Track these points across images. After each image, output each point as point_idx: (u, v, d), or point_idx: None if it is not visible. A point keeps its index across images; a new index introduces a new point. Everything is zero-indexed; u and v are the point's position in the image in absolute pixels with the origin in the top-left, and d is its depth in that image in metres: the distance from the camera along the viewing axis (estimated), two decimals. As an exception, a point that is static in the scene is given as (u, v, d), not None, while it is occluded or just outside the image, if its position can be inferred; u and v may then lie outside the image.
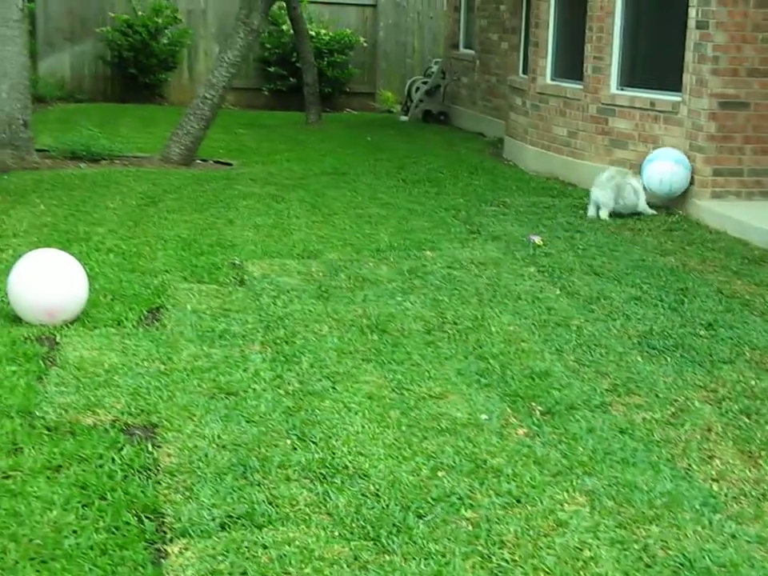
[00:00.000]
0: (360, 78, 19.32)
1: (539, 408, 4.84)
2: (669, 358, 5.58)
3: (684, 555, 3.56)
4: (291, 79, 18.10)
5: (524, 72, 12.97)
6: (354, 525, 3.71)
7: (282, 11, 17.34)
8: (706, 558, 3.54)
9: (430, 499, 3.90)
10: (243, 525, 3.67)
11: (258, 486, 3.96)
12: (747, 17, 9.23)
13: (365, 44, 19.13)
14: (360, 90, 19.42)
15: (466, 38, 17.04)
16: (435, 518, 3.77)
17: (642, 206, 9.41)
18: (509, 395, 4.99)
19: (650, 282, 7.05)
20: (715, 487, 4.10)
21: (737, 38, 9.24)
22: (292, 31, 16.54)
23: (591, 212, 9.38)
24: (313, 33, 17.70)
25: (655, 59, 10.45)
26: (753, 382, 5.24)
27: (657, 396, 5.04)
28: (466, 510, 3.84)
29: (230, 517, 3.71)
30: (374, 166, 11.89)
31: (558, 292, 6.81)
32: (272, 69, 18.37)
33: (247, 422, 4.54)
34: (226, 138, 13.84)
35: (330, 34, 18.51)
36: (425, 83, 17.38)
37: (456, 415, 4.70)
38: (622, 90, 10.62)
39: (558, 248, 8.01)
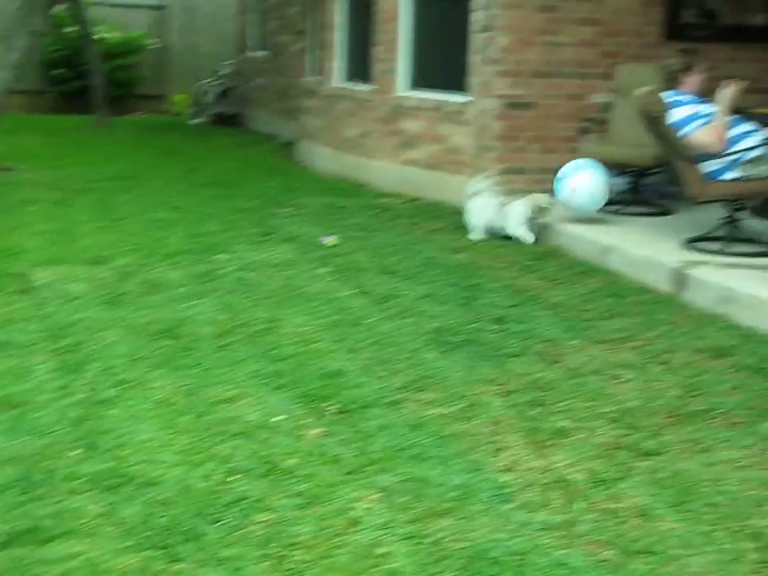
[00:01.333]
0: (150, 81, 19.06)
1: (333, 407, 4.83)
2: (460, 354, 5.66)
3: (475, 546, 3.59)
4: (78, 82, 17.67)
5: (315, 74, 12.99)
6: (143, 535, 3.61)
7: (67, 12, 16.90)
8: (497, 547, 3.58)
9: (222, 505, 3.84)
10: (26, 541, 3.52)
11: (42, 500, 3.82)
12: (529, 20, 9.47)
13: (154, 46, 18.86)
14: (151, 93, 19.15)
15: (258, 40, 16.98)
16: (228, 524, 3.71)
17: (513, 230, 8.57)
18: (302, 396, 4.96)
19: (442, 280, 7.15)
20: (505, 478, 4.17)
21: (520, 40, 9.48)
22: (79, 33, 16.14)
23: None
24: (101, 35, 17.33)
25: (443, 61, 10.62)
26: (540, 374, 5.36)
27: (448, 391, 5.10)
28: (259, 514, 3.79)
29: (11, 534, 3.56)
30: (164, 170, 11.72)
31: (351, 292, 6.83)
32: (58, 71, 17.90)
33: (31, 434, 4.38)
34: (10, 142, 13.39)
35: (119, 36, 18.17)
36: (217, 86, 17.24)
37: (249, 418, 4.65)
38: (411, 91, 10.76)
39: (351, 248, 8.04)
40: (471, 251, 8.09)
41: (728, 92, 7.50)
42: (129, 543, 3.56)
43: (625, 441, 4.55)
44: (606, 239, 7.91)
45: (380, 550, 3.57)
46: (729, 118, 7.49)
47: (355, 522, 3.75)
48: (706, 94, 7.91)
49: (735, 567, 3.53)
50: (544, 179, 9.72)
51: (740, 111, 8.11)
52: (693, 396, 5.12)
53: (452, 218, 9.39)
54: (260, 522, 3.73)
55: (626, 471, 4.25)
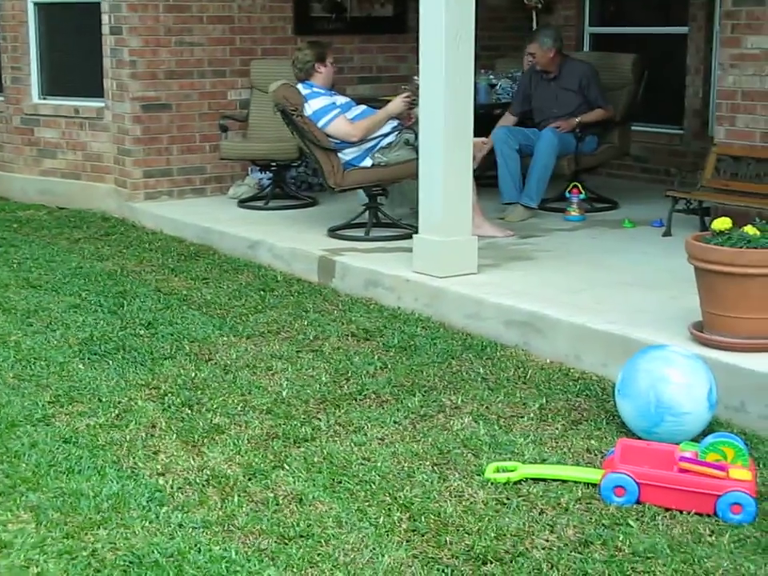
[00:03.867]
0: None
1: (-22, 431, 4.64)
2: (111, 362, 5.55)
3: (133, 553, 3.54)
4: None
5: (-59, 87, 12.37)
6: None
7: None
8: (155, 551, 3.54)
9: None
10: None
11: None
12: (159, 21, 9.40)
13: None
14: None
15: None
16: None
17: None
18: (-56, 422, 4.73)
19: (89, 289, 6.99)
20: (161, 481, 4.13)
21: (151, 41, 9.39)
22: None
23: None
24: None
25: (76, 66, 10.33)
26: (193, 374, 5.35)
27: (100, 401, 5.00)
28: None
29: None
30: None
31: (-7, 310, 6.57)
32: None
33: None
34: None
35: None
36: None
37: None
38: (45, 99, 10.44)
39: (-12, 265, 7.74)
40: (118, 257, 7.95)
41: (399, 101, 7.71)
42: None
43: (279, 430, 4.62)
44: (254, 234, 7.97)
45: (33, 571, 3.46)
46: (383, 117, 7.72)
47: (6, 546, 3.61)
48: (335, 85, 8.12)
49: (388, 538, 3.65)
50: (191, 179, 9.72)
51: (369, 100, 8.40)
52: (344, 379, 5.27)
53: (97, 225, 9.22)
54: None
55: (281, 460, 4.31)
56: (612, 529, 3.73)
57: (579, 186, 8.36)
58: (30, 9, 10.34)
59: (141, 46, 9.35)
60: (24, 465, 4.27)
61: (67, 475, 4.17)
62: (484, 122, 7.88)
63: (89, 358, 5.62)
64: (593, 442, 4.49)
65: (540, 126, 8.61)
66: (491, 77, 9.80)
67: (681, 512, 3.86)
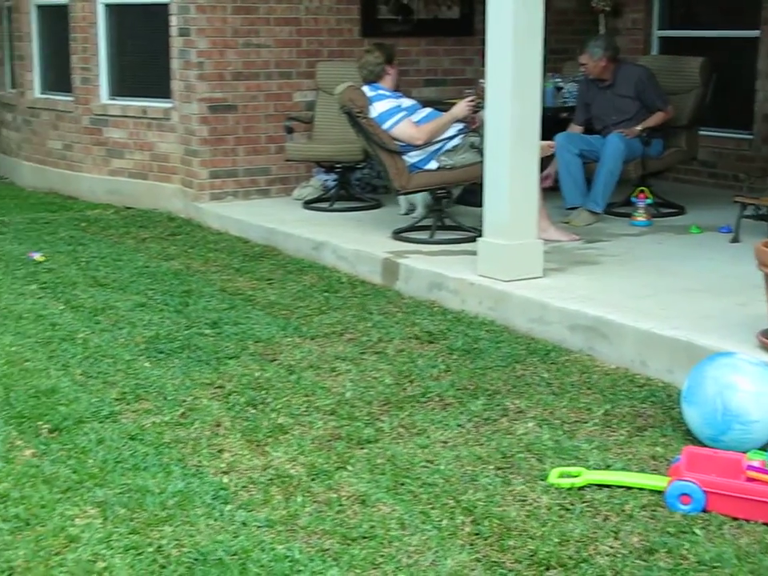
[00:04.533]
0: None
1: (47, 426, 4.69)
2: (176, 360, 5.60)
3: (198, 550, 3.57)
4: None
5: (13, 86, 12.56)
6: None
7: None
8: (219, 549, 3.57)
9: (-71, 538, 3.67)
10: None
11: None
12: (226, 23, 9.47)
13: None
14: None
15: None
16: (-64, 557, 3.55)
17: None
18: (14, 417, 4.79)
19: (155, 288, 7.06)
20: (225, 479, 4.15)
21: (219, 43, 9.47)
22: None
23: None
24: None
25: (144, 67, 10.47)
26: (257, 374, 5.38)
27: (165, 399, 5.04)
28: (-30, 544, 3.64)
29: None
30: None
31: (62, 307, 6.64)
32: None
33: None
34: None
35: None
36: None
37: (-44, 445, 4.46)
38: (113, 99, 10.56)
39: (60, 263, 7.82)
40: (184, 257, 8.02)
41: (463, 105, 7.71)
42: None
43: (342, 431, 4.63)
44: (318, 236, 8.00)
45: (100, 565, 3.49)
46: (447, 120, 7.71)
47: (73, 540, 3.66)
48: (399, 87, 8.12)
49: (451, 541, 3.65)
50: (256, 180, 9.78)
51: (434, 103, 8.39)
52: (407, 382, 5.27)
53: (163, 225, 9.31)
54: (-27, 553, 3.59)
55: (344, 461, 4.32)
56: (677, 537, 3.70)
57: (646, 190, 8.31)
58: (100, 10, 10.48)
59: (208, 47, 9.43)
60: (91, 461, 4.32)
61: (133, 472, 4.21)
62: (550, 125, 7.83)
63: (155, 357, 5.67)
64: (658, 449, 4.45)
65: (602, 133, 8.54)
66: (558, 80, 9.75)
67: (748, 521, 3.82)
